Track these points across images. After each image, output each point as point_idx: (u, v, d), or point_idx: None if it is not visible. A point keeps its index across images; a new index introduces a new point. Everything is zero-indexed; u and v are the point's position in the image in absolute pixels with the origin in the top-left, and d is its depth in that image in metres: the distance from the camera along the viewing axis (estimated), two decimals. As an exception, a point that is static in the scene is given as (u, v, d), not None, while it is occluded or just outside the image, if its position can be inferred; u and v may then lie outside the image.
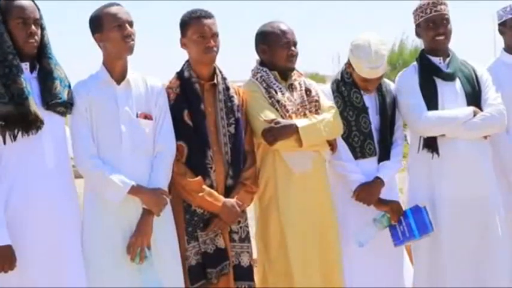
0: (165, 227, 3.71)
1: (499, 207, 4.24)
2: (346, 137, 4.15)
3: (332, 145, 4.09)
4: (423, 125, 4.16)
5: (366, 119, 4.18)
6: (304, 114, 4.01)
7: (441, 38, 4.19)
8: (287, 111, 3.97)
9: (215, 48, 3.85)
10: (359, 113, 4.18)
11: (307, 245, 3.98)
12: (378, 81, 4.20)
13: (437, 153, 4.16)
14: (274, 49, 4.03)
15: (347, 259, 4.12)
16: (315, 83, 4.23)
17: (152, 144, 3.70)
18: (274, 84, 4.01)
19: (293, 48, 4.04)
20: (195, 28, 3.82)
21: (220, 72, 3.96)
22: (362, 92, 4.21)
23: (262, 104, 3.98)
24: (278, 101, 3.97)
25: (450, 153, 4.15)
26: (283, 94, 4.00)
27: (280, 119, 3.92)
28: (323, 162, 4.11)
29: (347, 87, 4.21)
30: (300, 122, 3.92)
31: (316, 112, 4.04)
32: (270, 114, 3.94)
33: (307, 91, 4.07)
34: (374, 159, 4.19)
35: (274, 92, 3.99)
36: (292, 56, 4.04)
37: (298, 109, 4.00)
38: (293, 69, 4.09)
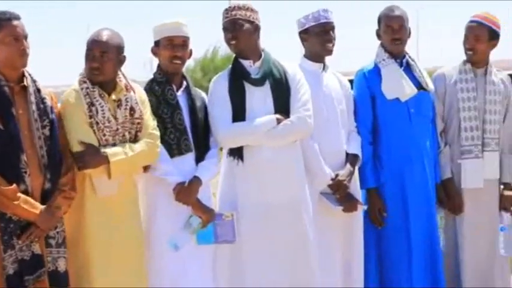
0: None
1: (309, 212, 4.33)
2: (163, 135, 4.13)
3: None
4: (223, 137, 4.24)
5: (181, 116, 4.19)
6: (123, 136, 3.99)
7: (233, 42, 4.28)
8: (104, 134, 3.93)
9: (28, 51, 3.78)
10: (173, 109, 4.19)
11: (109, 264, 3.98)
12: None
13: (242, 159, 4.25)
14: None
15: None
16: (143, 95, 4.15)
17: None
18: (97, 101, 3.95)
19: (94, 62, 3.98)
20: (8, 30, 3.71)
21: (30, 74, 3.86)
22: (176, 90, 4.23)
23: (81, 122, 3.91)
24: (97, 123, 3.92)
25: (254, 159, 4.23)
26: (104, 114, 3.93)
27: (94, 146, 3.89)
28: (131, 184, 4.11)
29: (160, 86, 4.22)
30: (114, 155, 3.89)
31: (137, 134, 4.03)
32: (86, 137, 3.89)
33: (132, 110, 4.02)
34: (191, 155, 4.21)
35: (95, 112, 3.92)
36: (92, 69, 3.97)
37: (117, 129, 3.97)
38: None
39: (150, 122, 4.09)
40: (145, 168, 4.13)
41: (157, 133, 4.09)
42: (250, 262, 4.26)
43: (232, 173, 4.30)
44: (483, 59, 4.88)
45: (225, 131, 4.23)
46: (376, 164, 4.71)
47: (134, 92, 4.09)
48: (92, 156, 3.88)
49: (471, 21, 4.85)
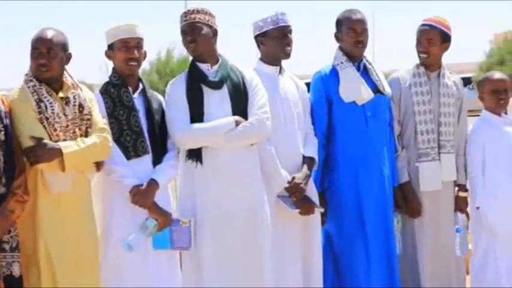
0: None
1: (267, 216, 4.33)
2: (118, 137, 4.15)
3: (97, 162, 4.11)
4: (181, 138, 4.24)
5: (137, 118, 4.21)
6: (74, 132, 3.98)
7: (192, 45, 4.29)
8: (55, 130, 3.93)
9: None
10: (129, 111, 4.20)
11: (63, 260, 3.96)
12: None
13: (201, 162, 4.23)
14: None
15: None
16: (90, 94, 4.18)
17: None
18: (46, 98, 3.94)
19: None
20: None
21: None
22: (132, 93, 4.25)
23: (30, 118, 3.91)
24: (47, 118, 3.92)
25: (213, 162, 4.22)
26: (53, 110, 3.93)
27: (46, 141, 3.87)
28: (85, 182, 4.10)
29: (116, 88, 4.24)
30: (66, 147, 3.88)
31: (87, 130, 4.02)
32: (36, 132, 3.88)
33: (80, 107, 4.03)
34: (148, 157, 4.23)
35: (44, 108, 3.92)
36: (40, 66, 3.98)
37: (67, 125, 3.97)
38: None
39: (99, 119, 4.09)
40: (98, 167, 4.11)
41: (108, 128, 4.10)
42: (210, 264, 4.24)
43: (191, 176, 4.28)
44: (436, 61, 4.95)
45: (183, 132, 4.23)
46: (326, 168, 4.75)
47: (81, 90, 4.10)
48: (45, 149, 3.85)
49: (423, 25, 4.92)
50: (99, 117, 4.10)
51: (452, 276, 4.95)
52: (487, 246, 4.92)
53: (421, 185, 4.85)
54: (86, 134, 4.02)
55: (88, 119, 4.03)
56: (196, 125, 4.23)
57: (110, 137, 4.09)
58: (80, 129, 4.01)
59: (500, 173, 4.90)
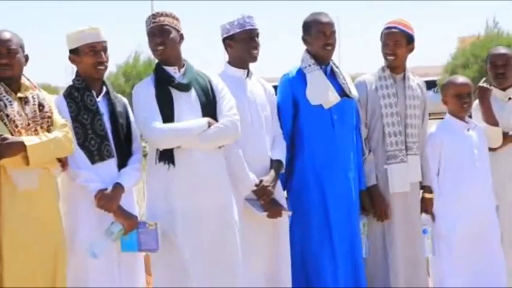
0: None
1: (236, 217, 4.35)
2: (83, 141, 4.14)
3: (62, 161, 4.08)
4: (156, 138, 4.22)
5: (101, 121, 4.20)
6: (35, 130, 3.95)
7: (160, 48, 4.29)
8: (16, 126, 3.89)
9: None
10: (94, 115, 4.19)
11: (28, 259, 3.92)
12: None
13: (173, 163, 4.23)
14: None
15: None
16: (48, 96, 4.17)
17: None
18: (4, 96, 3.92)
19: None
20: None
21: None
22: (96, 97, 4.24)
23: None
24: (7, 115, 3.88)
25: (185, 163, 4.22)
26: (13, 108, 3.90)
27: (7, 135, 3.82)
28: (52, 179, 4.07)
29: (80, 91, 4.22)
30: (29, 140, 3.86)
31: (48, 128, 3.99)
32: None
33: (40, 106, 4.01)
34: (113, 161, 4.22)
35: (3, 105, 3.89)
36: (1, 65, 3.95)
37: (29, 124, 3.94)
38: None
39: (59, 118, 4.07)
40: (64, 166, 4.09)
41: (69, 124, 4.08)
42: (193, 265, 4.23)
43: (162, 178, 4.27)
44: (402, 64, 4.99)
45: (158, 132, 4.20)
46: (291, 170, 4.76)
47: (40, 91, 4.10)
48: (7, 143, 3.80)
49: (388, 28, 4.96)
50: (59, 117, 4.08)
51: (420, 278, 4.99)
52: (440, 248, 5.00)
53: (391, 187, 4.88)
54: (48, 132, 3.99)
55: (49, 117, 4.01)
56: (171, 125, 4.21)
57: (71, 133, 4.07)
58: (41, 128, 3.97)
59: (458, 177, 4.97)
